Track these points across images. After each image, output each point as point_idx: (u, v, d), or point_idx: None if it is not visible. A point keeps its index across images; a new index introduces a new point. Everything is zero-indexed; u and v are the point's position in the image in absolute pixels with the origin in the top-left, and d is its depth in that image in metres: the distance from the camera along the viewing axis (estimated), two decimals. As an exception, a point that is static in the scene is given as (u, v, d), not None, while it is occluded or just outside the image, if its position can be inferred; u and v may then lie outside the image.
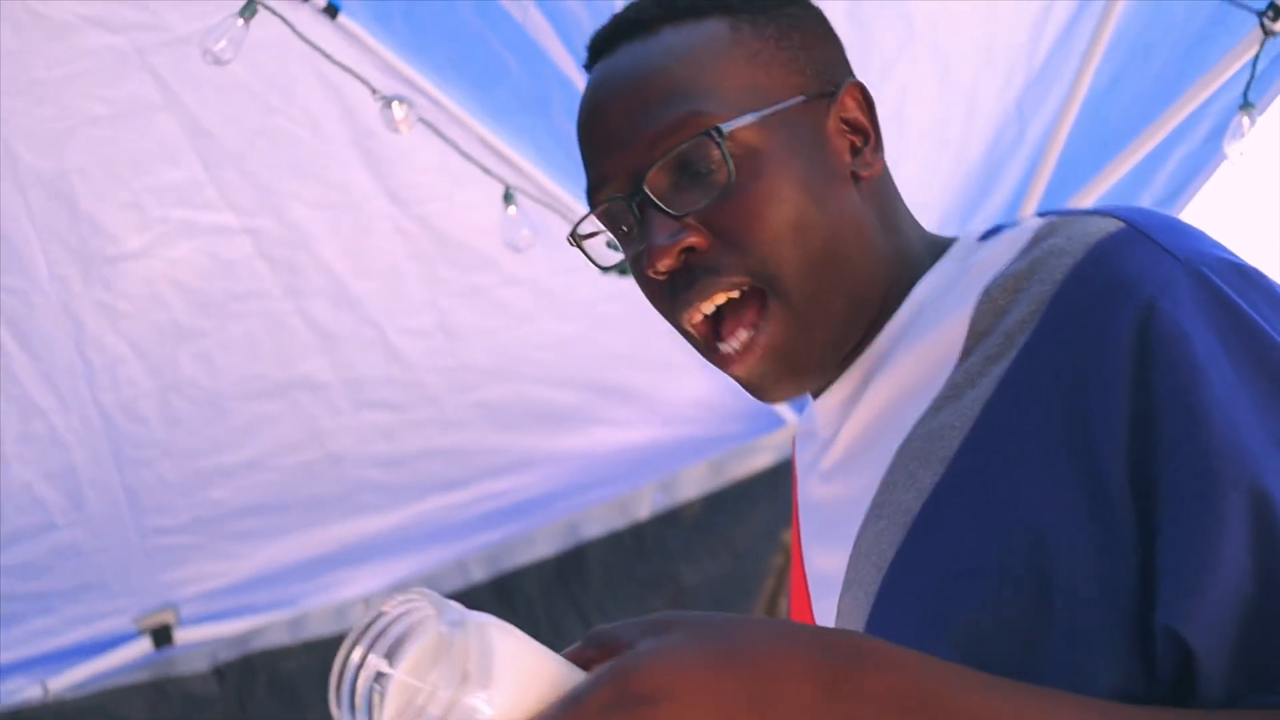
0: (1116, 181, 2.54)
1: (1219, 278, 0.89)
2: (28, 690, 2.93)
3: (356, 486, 3.02)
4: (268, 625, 3.12)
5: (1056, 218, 1.02)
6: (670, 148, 1.07)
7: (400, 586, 3.21)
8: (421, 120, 2.31)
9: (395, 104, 2.19)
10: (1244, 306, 0.88)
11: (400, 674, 0.72)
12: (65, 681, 2.95)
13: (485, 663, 0.73)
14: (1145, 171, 2.54)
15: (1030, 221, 1.05)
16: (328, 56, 2.26)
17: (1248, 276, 0.91)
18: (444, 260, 2.74)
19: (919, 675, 0.80)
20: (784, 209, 1.07)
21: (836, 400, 1.18)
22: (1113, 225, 0.95)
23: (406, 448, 2.99)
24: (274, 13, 2.17)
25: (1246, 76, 2.31)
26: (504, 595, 3.18)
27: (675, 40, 1.11)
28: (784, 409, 3.32)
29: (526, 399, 3.03)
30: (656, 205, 1.08)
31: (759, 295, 1.08)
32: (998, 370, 0.97)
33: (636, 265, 1.15)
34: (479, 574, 3.21)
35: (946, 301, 1.08)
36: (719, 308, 1.10)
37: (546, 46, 2.39)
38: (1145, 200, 2.63)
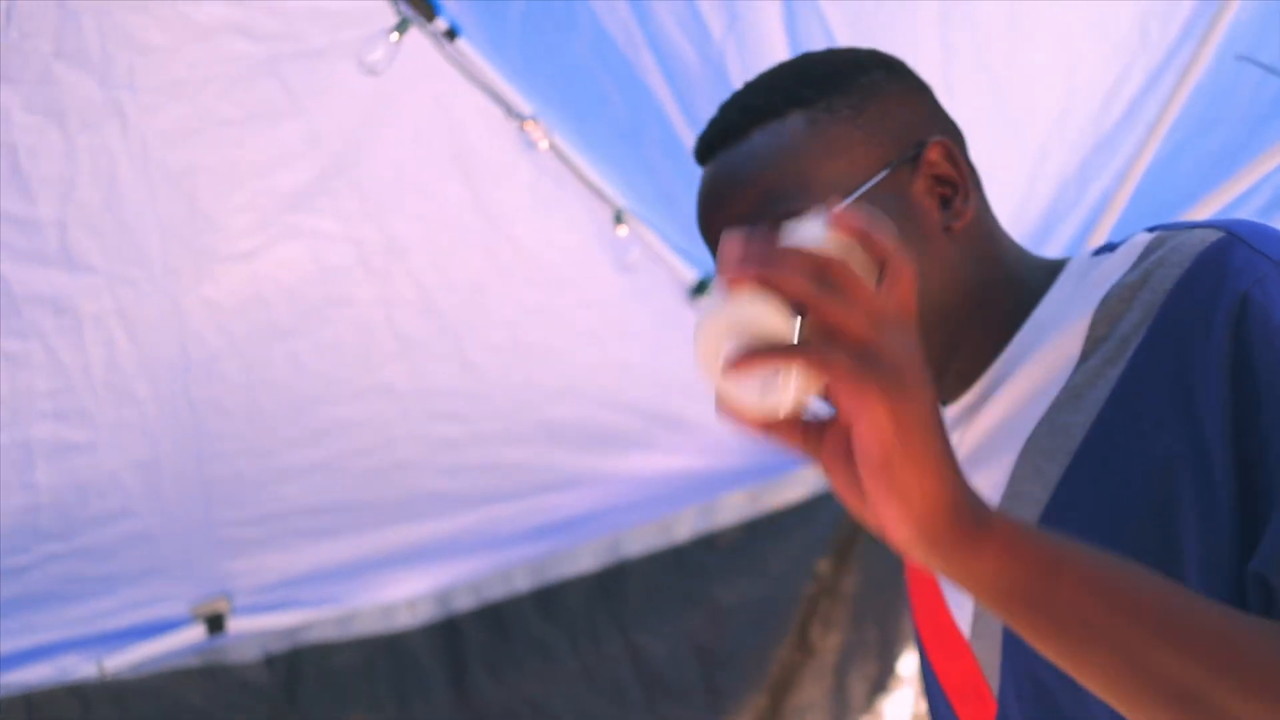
0: (1170, 246, 2.60)
1: None
2: (84, 668, 2.89)
3: (418, 494, 3.01)
4: (318, 620, 3.10)
5: (1165, 232, 1.08)
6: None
7: (443, 592, 3.21)
8: (551, 144, 2.33)
9: (530, 123, 2.21)
10: None
11: None
12: (120, 661, 2.92)
13: None
14: (1199, 238, 2.60)
15: (1141, 236, 1.11)
16: (472, 77, 2.29)
17: None
18: (524, 279, 2.76)
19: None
20: None
21: (955, 411, 1.24)
22: (1214, 235, 1.01)
23: (470, 459, 2.99)
24: (426, 33, 2.19)
25: (1305, 155, 2.39)
26: (546, 605, 3.18)
27: (762, 144, 1.18)
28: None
29: (587, 420, 3.05)
30: None
31: None
32: (1114, 372, 1.03)
33: None
34: (523, 584, 3.21)
35: (1066, 312, 1.12)
36: None
37: (650, 84, 2.42)
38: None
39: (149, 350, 2.51)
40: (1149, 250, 1.07)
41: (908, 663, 3.22)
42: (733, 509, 3.31)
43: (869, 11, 2.19)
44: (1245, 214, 2.58)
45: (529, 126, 2.25)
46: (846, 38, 2.23)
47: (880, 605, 3.21)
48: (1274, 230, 1.03)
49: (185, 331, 2.51)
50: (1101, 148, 2.58)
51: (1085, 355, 1.08)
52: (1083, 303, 1.11)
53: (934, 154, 1.19)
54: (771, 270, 0.78)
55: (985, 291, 1.20)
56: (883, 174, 1.16)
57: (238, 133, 2.32)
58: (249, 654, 3.02)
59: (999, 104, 2.43)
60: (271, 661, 3.02)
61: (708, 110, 2.42)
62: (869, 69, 1.24)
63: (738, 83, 2.34)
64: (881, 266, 0.82)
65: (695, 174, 2.59)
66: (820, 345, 0.78)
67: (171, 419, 2.62)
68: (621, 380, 3.00)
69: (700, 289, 2.80)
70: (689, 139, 2.52)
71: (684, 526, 3.29)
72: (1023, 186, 2.66)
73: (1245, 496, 0.91)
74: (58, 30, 2.09)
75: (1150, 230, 1.12)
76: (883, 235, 0.82)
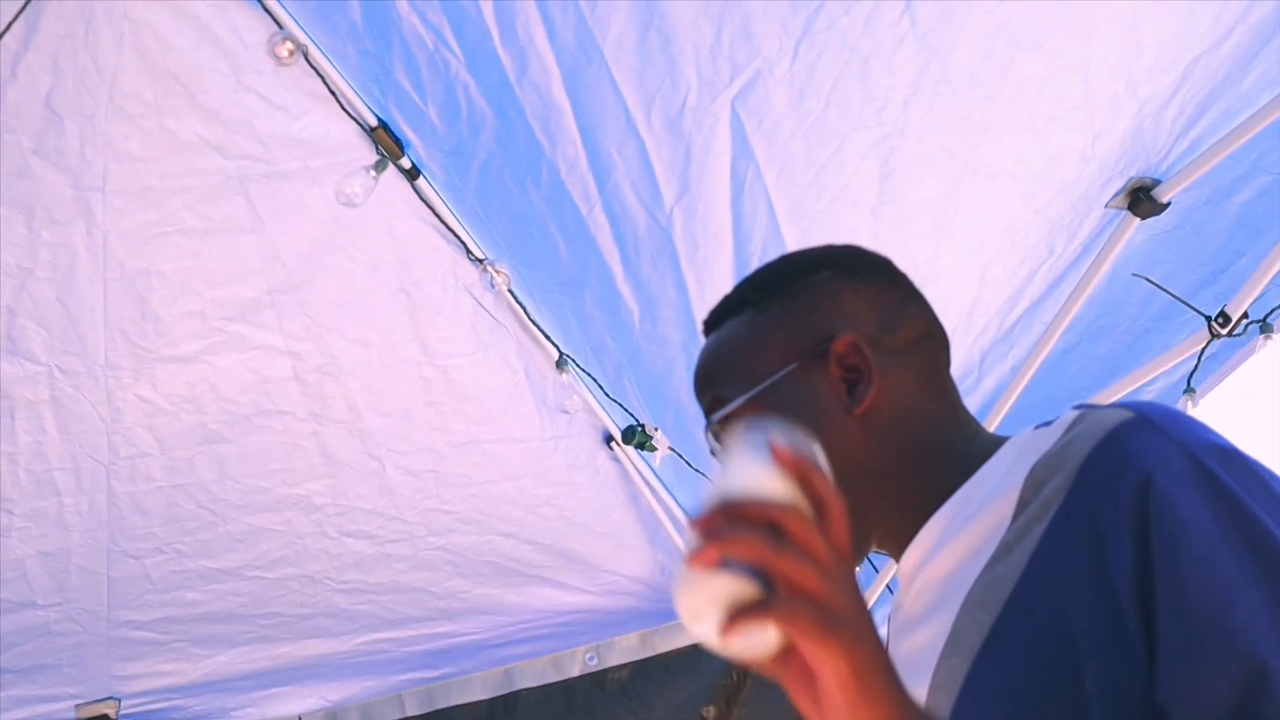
0: (1057, 438, 2.74)
1: (1206, 457, 1.04)
2: (-42, 763, 2.77)
3: (320, 609, 2.97)
4: (203, 731, 3.01)
5: (1085, 410, 1.18)
6: (708, 423, 1.32)
7: (332, 711, 3.14)
8: (509, 288, 2.39)
9: (493, 267, 2.27)
10: (1225, 480, 1.03)
11: None
12: (-4, 760, 2.79)
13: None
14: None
15: (1068, 415, 1.21)
16: (438, 216, 2.35)
17: (1231, 456, 1.07)
18: (453, 411, 2.79)
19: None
20: None
21: (912, 563, 1.33)
22: (1125, 415, 1.11)
23: (376, 579, 2.96)
24: (401, 172, 2.26)
25: (1184, 364, 2.56)
26: (435, 732, 3.13)
27: (720, 337, 1.37)
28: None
29: (493, 550, 3.05)
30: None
31: None
32: (1038, 529, 1.13)
33: None
34: (413, 708, 3.16)
35: (1006, 479, 1.23)
36: None
37: (599, 240, 2.51)
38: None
39: (77, 443, 2.47)
40: (1071, 425, 1.20)
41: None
42: (624, 650, 3.31)
43: (810, 199, 2.32)
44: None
45: (492, 270, 2.30)
46: (787, 220, 2.35)
47: (759, 756, 3.23)
48: (1176, 413, 1.13)
49: (116, 428, 2.48)
50: (1002, 341, 2.73)
51: (1015, 516, 1.19)
52: (1017, 470, 1.21)
53: (840, 347, 1.32)
54: (729, 544, 0.85)
55: (901, 465, 1.31)
56: (791, 367, 1.30)
57: (198, 243, 2.34)
58: (129, 760, 2.91)
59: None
60: (151, 768, 2.91)
61: (649, 271, 2.54)
62: (815, 270, 1.39)
63: (681, 247, 2.48)
64: (817, 503, 0.91)
65: (627, 327, 2.68)
66: (785, 605, 0.85)
67: (89, 513, 2.57)
68: (530, 516, 3.02)
69: (628, 437, 2.85)
70: (627, 294, 2.60)
71: (575, 663, 3.29)
72: (927, 370, 2.79)
73: (1149, 645, 1.01)
74: (40, 129, 2.11)
75: (1076, 408, 1.23)
76: (817, 474, 0.91)
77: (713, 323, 1.39)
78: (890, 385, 1.32)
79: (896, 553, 1.35)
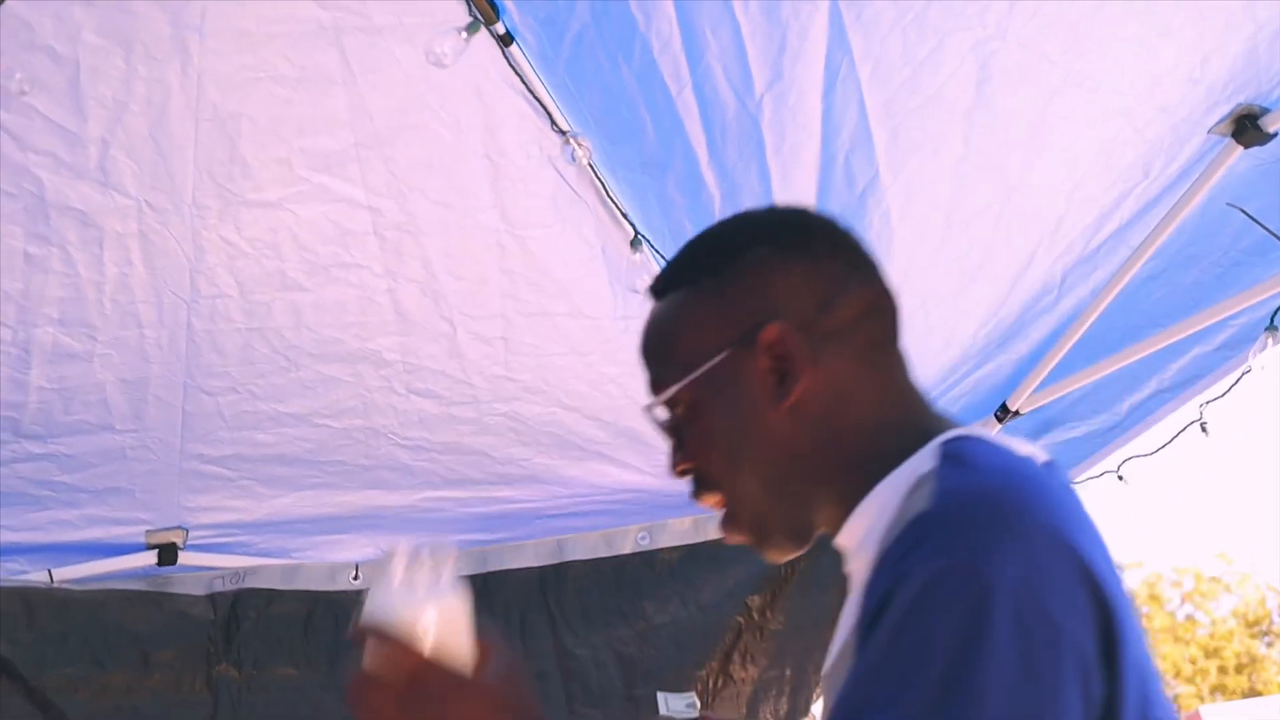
0: (1132, 364, 2.71)
1: (962, 585, 0.95)
2: (34, 573, 2.91)
3: (383, 462, 3.06)
4: (265, 568, 3.14)
5: (937, 467, 1.09)
6: (650, 403, 1.29)
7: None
8: (590, 162, 2.40)
9: (576, 140, 2.28)
10: (958, 618, 0.93)
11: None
12: (69, 573, 2.94)
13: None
14: (1160, 360, 2.72)
15: (930, 459, 1.11)
16: (527, 86, 2.36)
17: (1020, 588, 0.94)
18: (527, 281, 2.82)
19: None
20: (714, 450, 1.25)
21: (844, 547, 1.26)
22: (923, 505, 1.03)
23: (440, 438, 3.04)
24: (494, 37, 2.27)
25: (1270, 301, 2.51)
26: (485, 593, 3.22)
27: (660, 312, 1.31)
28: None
29: (555, 422, 3.11)
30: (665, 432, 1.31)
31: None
32: (856, 601, 1.10)
33: None
34: (466, 568, 3.22)
35: (891, 524, 1.11)
36: None
37: (686, 122, 2.50)
38: (1151, 386, 2.81)
39: (161, 278, 2.55)
40: (916, 487, 1.09)
41: (820, 704, 3.30)
42: (676, 533, 3.38)
43: (903, 97, 2.28)
44: (1209, 346, 2.70)
45: (574, 142, 2.31)
46: (878, 118, 2.32)
47: (799, 648, 3.27)
48: (996, 503, 1.01)
49: (199, 267, 2.56)
50: (1086, 261, 2.69)
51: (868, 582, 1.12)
52: (893, 522, 1.11)
53: (769, 335, 1.24)
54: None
55: (835, 456, 1.24)
56: (721, 355, 1.23)
57: (289, 91, 2.37)
58: (194, 588, 3.05)
59: (1004, 205, 2.53)
60: (215, 599, 3.05)
61: (734, 158, 2.53)
62: (751, 246, 1.30)
63: (769, 136, 2.46)
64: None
65: (707, 212, 2.68)
66: None
67: (168, 347, 2.66)
68: (595, 392, 3.07)
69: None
70: (710, 180, 2.60)
71: (628, 541, 3.36)
72: (1009, 282, 2.76)
73: None
74: (143, -37, 2.14)
75: (943, 444, 1.14)
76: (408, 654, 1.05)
77: (659, 289, 1.33)
78: (825, 371, 1.25)
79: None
